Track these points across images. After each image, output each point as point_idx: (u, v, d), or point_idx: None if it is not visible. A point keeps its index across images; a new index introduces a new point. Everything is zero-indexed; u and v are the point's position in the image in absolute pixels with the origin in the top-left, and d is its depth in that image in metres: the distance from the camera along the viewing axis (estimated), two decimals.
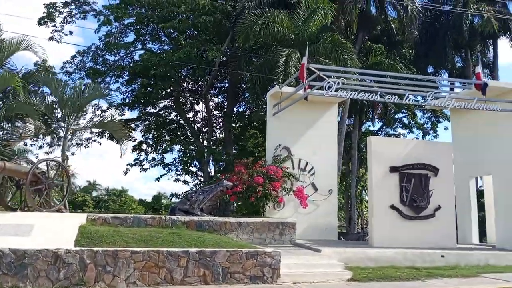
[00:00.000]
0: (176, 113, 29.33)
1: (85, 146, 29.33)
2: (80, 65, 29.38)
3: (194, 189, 24.52)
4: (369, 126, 32.32)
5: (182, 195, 24.68)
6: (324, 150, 16.00)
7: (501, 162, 14.52)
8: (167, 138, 30.10)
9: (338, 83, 12.60)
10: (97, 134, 29.28)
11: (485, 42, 30.66)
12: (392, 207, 13.48)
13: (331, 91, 12.57)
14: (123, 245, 8.67)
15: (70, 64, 28.99)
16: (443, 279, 10.35)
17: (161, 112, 30.16)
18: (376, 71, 15.70)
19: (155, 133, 29.86)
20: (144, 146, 29.39)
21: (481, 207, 17.55)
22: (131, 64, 29.14)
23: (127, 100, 29.12)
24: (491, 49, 30.56)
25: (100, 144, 28.44)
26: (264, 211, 14.87)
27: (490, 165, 15.07)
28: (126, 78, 29.65)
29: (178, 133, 30.11)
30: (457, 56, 30.64)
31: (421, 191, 13.77)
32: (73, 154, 36.66)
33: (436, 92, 13.67)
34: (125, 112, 29.51)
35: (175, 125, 30.12)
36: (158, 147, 29.60)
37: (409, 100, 13.20)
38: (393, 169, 13.66)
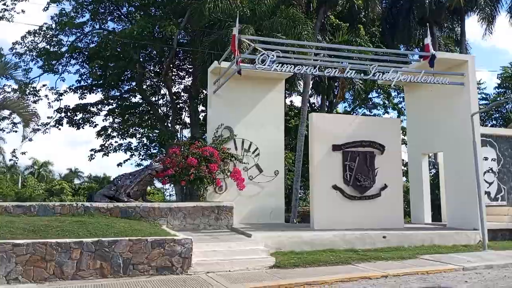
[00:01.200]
0: (140, 97, 28.25)
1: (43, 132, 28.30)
2: (31, 46, 28.00)
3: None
4: (345, 107, 31.60)
5: None
6: (270, 129, 15.08)
7: (451, 138, 13.83)
8: (132, 122, 29.01)
9: (273, 56, 11.62)
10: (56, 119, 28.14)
11: (453, 18, 29.98)
12: (335, 187, 12.70)
13: (265, 64, 11.60)
14: (7, 237, 7.66)
15: (21, 45, 27.56)
16: (376, 263, 9.63)
17: (125, 96, 29.02)
18: (314, 43, 14.72)
19: (120, 117, 28.70)
20: (110, 131, 28.35)
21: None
22: (91, 45, 27.94)
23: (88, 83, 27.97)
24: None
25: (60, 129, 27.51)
26: (202, 195, 13.97)
27: (441, 142, 14.38)
28: (81, 59, 28.38)
29: (146, 117, 29.08)
30: (423, 32, 29.87)
31: (366, 169, 13.02)
32: (30, 140, 35.33)
33: (381, 65, 12.77)
34: (86, 95, 28.26)
35: (140, 109, 29.06)
36: (124, 132, 28.54)
37: (350, 73, 12.28)
38: (336, 147, 12.84)
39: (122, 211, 11.44)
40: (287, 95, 26.87)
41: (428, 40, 13.14)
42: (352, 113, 30.51)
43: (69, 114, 28.01)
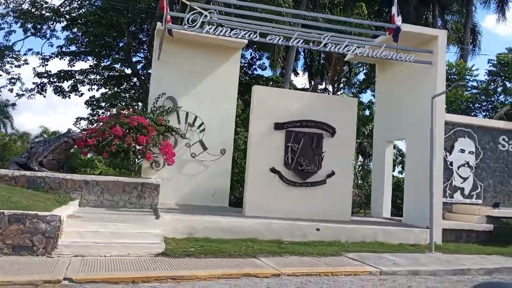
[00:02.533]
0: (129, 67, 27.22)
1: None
2: (15, 7, 27.21)
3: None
4: (344, 91, 29.84)
5: None
6: (220, 104, 13.74)
7: (415, 125, 12.27)
8: (119, 94, 27.99)
9: (207, 16, 10.19)
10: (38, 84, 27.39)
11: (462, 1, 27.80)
12: (273, 170, 11.33)
13: (196, 26, 10.18)
14: None
15: (3, 6, 26.75)
16: (287, 258, 8.33)
17: (114, 66, 27.97)
18: (257, 4, 13.12)
19: (108, 87, 27.73)
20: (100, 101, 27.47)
21: None
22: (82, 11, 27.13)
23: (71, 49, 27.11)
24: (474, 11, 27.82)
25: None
26: (134, 169, 12.81)
27: (406, 129, 12.83)
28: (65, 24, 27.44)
29: (133, 91, 28.08)
30: (430, 13, 27.74)
31: (311, 153, 11.59)
32: (14, 105, 34.65)
33: (335, 36, 11.20)
34: (75, 62, 27.31)
35: (128, 79, 28.07)
36: (113, 102, 27.56)
37: (298, 42, 10.76)
38: (278, 126, 11.42)
39: (29, 181, 10.37)
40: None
41: (394, 10, 11.46)
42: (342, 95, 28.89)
43: (52, 80, 27.20)
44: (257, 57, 27.46)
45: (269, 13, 12.14)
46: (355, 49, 11.06)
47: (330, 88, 28.72)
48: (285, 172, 11.39)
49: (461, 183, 14.76)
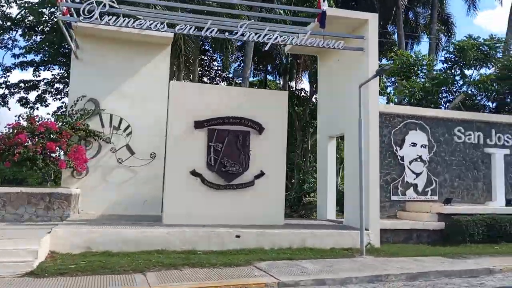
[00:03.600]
0: None
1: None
2: None
3: None
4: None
5: None
6: (150, 104, 12.75)
7: (351, 118, 11.32)
8: None
9: (105, 5, 9.24)
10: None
11: None
12: (194, 173, 10.33)
13: (92, 17, 9.22)
14: None
15: None
16: (182, 271, 7.31)
17: None
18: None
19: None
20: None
21: None
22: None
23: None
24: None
25: None
26: (50, 179, 11.79)
27: (343, 122, 11.90)
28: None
29: None
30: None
31: (236, 153, 10.61)
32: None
33: (254, 24, 10.28)
34: (39, 72, 26.11)
35: None
36: None
37: (211, 31, 9.80)
38: (198, 124, 10.44)
39: None
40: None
41: None
42: None
43: (13, 91, 26.01)
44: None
45: (181, 2, 11.18)
46: (277, 37, 10.12)
47: (307, 87, 27.86)
48: (207, 174, 10.40)
49: (414, 179, 13.85)
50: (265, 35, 10.01)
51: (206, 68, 25.67)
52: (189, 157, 10.32)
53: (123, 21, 9.43)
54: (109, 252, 8.43)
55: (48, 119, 11.43)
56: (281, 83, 27.50)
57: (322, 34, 10.67)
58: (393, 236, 11.89)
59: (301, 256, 8.76)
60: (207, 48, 25.11)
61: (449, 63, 16.78)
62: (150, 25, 9.49)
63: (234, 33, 10.01)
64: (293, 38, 10.24)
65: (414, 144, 13.94)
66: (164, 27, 9.54)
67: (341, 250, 9.74)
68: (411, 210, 13.21)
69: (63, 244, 8.31)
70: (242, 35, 9.95)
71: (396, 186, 13.63)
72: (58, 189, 10.48)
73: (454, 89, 17.15)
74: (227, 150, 10.49)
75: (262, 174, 10.73)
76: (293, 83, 25.98)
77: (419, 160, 13.96)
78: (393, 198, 13.54)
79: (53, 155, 10.78)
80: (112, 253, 8.39)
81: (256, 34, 10.02)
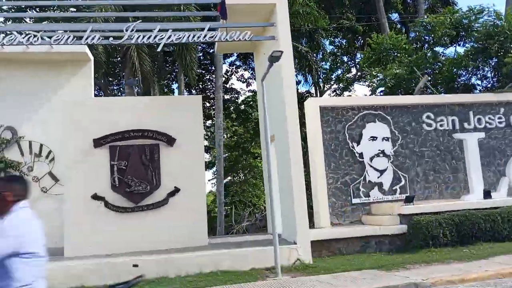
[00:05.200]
0: None
1: None
2: None
3: None
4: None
5: None
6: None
7: (278, 118, 9.94)
8: None
9: None
10: None
11: None
12: (95, 197, 9.25)
13: None
14: None
15: None
16: None
17: None
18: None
19: None
20: None
21: None
22: None
23: None
24: None
25: None
26: None
27: (273, 124, 10.48)
28: None
29: None
30: None
31: (143, 170, 9.46)
32: None
33: (141, 25, 9.15)
34: None
35: None
36: None
37: (93, 39, 8.74)
38: (97, 143, 9.39)
39: None
40: None
41: None
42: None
43: None
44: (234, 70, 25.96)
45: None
46: (170, 36, 8.96)
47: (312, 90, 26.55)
48: (112, 197, 9.29)
49: (378, 177, 12.22)
50: (155, 36, 8.87)
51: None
52: (91, 179, 9.28)
53: (14, 39, 8.54)
54: None
55: None
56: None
57: (229, 27, 9.42)
58: (346, 245, 10.32)
59: (202, 283, 7.43)
60: None
61: (419, 43, 14.96)
62: (23, 39, 8.55)
63: (119, 37, 8.93)
64: (189, 36, 9.04)
65: (373, 138, 12.33)
66: (37, 40, 8.57)
67: (262, 270, 8.33)
68: (376, 213, 11.58)
69: None
70: (130, 38, 8.85)
71: (358, 187, 12.04)
72: None
73: (431, 71, 15.26)
74: (132, 168, 9.37)
75: (177, 190, 9.52)
76: None
77: (381, 155, 12.31)
78: (355, 201, 11.96)
79: None
80: None
81: (144, 36, 8.90)
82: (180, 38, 9.06)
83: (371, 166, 12.20)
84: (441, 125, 12.82)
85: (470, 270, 7.22)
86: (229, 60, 26.35)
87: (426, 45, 14.91)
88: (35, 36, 8.58)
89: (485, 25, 13.66)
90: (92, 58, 12.44)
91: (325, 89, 28.80)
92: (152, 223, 9.30)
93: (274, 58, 7.50)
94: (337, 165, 12.05)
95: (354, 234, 10.30)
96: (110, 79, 22.71)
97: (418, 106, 12.82)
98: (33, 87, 11.72)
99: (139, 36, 8.88)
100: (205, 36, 9.07)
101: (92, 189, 9.23)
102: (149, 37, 8.92)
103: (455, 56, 14.71)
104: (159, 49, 9.84)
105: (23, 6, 11.02)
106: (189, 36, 9.10)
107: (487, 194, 11.06)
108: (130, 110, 9.65)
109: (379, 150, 12.28)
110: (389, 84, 14.87)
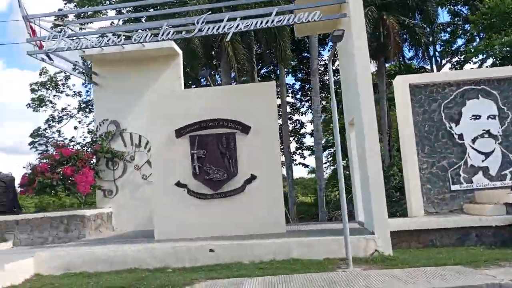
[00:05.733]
0: None
1: None
2: None
3: None
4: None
5: None
6: None
7: (356, 101, 9.33)
8: None
9: (65, 32, 9.60)
10: None
11: None
12: (179, 184, 9.83)
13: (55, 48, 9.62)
14: None
15: None
16: None
17: None
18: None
19: None
20: None
21: None
22: None
23: None
24: None
25: None
26: (83, 201, 12.69)
27: (351, 106, 9.89)
28: None
29: None
30: None
31: (221, 158, 9.73)
32: None
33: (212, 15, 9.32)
34: None
35: None
36: None
37: (168, 34, 9.21)
38: (178, 133, 9.93)
39: None
40: None
41: None
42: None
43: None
44: None
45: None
46: (238, 25, 9.01)
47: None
48: (193, 184, 9.79)
49: (483, 161, 10.82)
50: (224, 26, 9.00)
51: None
52: (174, 168, 9.89)
53: (108, 40, 9.55)
54: (85, 273, 8.49)
55: (71, 146, 12.36)
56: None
57: (298, 8, 9.13)
58: (440, 237, 9.37)
59: (270, 271, 7.45)
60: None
61: None
62: (107, 41, 9.43)
63: (191, 31, 9.27)
64: (257, 23, 8.97)
65: (476, 117, 10.90)
66: (121, 40, 9.37)
67: (336, 260, 8.02)
68: (481, 202, 10.26)
69: (47, 267, 8.68)
70: (200, 30, 9.13)
71: (457, 173, 10.81)
72: (74, 212, 11.19)
73: None
74: (210, 156, 9.73)
75: (253, 178, 9.64)
76: None
77: (486, 136, 10.84)
78: (454, 187, 10.78)
79: (72, 179, 11.54)
80: (87, 273, 8.41)
81: (214, 27, 9.09)
82: (248, 25, 9.05)
83: (473, 149, 10.81)
84: None
85: None
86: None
87: None
88: (127, 37, 9.36)
89: None
90: (180, 52, 13.17)
91: (443, 63, 26.25)
92: (230, 209, 9.58)
93: (336, 38, 7.02)
94: (432, 149, 10.94)
95: (448, 224, 9.28)
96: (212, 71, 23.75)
97: None
98: (130, 83, 12.89)
99: (209, 28, 9.09)
100: (272, 21, 8.89)
101: (176, 176, 9.84)
102: (218, 28, 9.07)
103: None
104: (228, 39, 9.95)
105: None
106: (256, 22, 9.03)
107: None
108: (207, 100, 9.99)
109: (483, 130, 10.81)
110: (498, 55, 12.86)
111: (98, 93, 13.23)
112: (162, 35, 9.22)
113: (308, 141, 30.88)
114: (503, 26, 13.36)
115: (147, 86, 12.88)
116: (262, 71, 27.88)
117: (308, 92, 27.70)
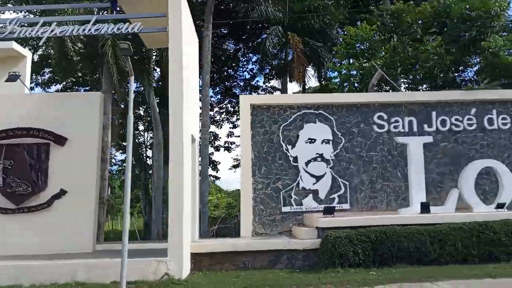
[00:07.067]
0: None
1: None
2: None
3: None
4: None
5: None
6: None
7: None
8: None
9: None
10: None
11: None
12: None
13: None
14: None
15: None
16: None
17: None
18: None
19: None
20: None
21: None
22: None
23: None
24: None
25: None
26: None
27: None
28: None
29: None
30: None
31: (29, 170, 9.08)
32: None
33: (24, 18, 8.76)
34: None
35: None
36: None
37: None
38: None
39: None
40: None
41: None
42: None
43: None
44: None
45: None
46: (54, 29, 8.50)
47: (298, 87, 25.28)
48: None
49: (314, 183, 11.00)
50: (38, 30, 8.46)
51: None
52: None
53: None
54: None
55: None
56: None
57: (119, 18, 8.81)
58: (252, 259, 9.28)
59: None
60: None
61: (385, 33, 13.23)
62: None
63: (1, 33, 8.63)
64: (73, 30, 8.53)
65: (312, 140, 11.11)
66: None
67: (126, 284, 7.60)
68: (307, 224, 10.39)
69: None
70: (12, 32, 8.51)
71: (289, 194, 10.91)
72: None
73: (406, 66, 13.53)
74: (17, 168, 9.04)
75: (63, 193, 9.06)
76: None
77: (319, 159, 11.06)
78: (285, 209, 10.87)
79: None
80: None
81: (28, 30, 8.51)
82: (64, 31, 8.58)
83: (306, 172, 10.99)
84: (395, 127, 11.30)
85: None
86: None
87: (392, 33, 13.13)
88: None
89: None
90: (28, 55, 12.34)
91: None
92: (33, 226, 8.91)
93: (124, 51, 6.72)
94: (269, 169, 11.00)
95: (260, 247, 9.24)
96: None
97: (369, 105, 11.39)
98: None
99: (21, 31, 8.51)
100: (89, 29, 8.49)
101: None
102: (32, 31, 8.51)
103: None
104: (40, 43, 9.42)
105: None
106: (73, 29, 8.58)
107: (424, 208, 9.46)
108: (25, 107, 9.33)
109: (317, 154, 11.04)
110: (354, 82, 13.39)
111: None
112: None
113: None
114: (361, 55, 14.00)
115: None
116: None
117: None
